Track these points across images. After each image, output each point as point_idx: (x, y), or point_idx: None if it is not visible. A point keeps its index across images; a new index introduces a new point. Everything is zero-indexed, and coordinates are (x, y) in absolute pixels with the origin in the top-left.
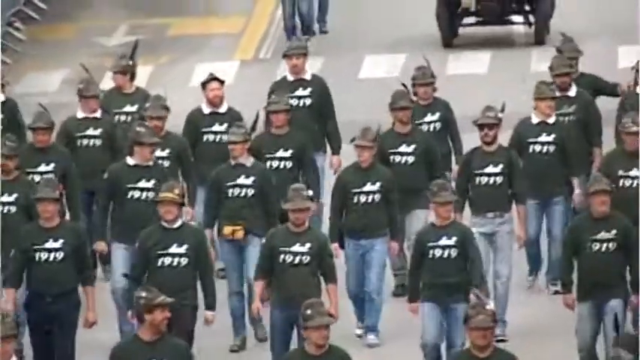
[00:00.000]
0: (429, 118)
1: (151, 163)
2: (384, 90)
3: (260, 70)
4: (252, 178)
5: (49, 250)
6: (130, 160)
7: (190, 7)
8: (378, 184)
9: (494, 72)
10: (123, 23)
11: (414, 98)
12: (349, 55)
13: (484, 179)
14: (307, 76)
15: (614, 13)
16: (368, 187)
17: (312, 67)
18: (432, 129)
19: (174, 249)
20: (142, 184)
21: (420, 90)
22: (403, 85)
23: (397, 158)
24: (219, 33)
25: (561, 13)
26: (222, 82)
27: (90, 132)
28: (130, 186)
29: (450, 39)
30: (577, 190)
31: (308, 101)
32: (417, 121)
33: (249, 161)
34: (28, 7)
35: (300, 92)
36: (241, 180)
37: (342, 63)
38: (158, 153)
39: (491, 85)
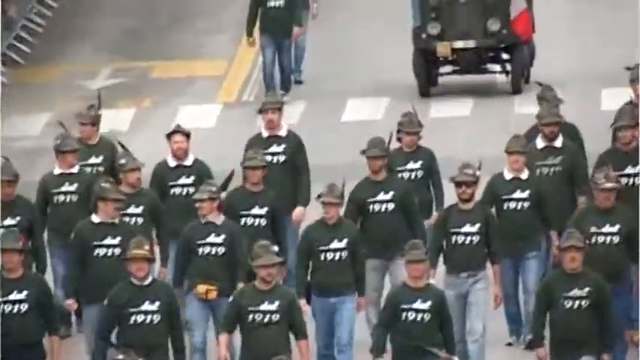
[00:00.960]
0: (411, 165)
1: (116, 220)
2: (368, 133)
3: (242, 113)
4: (222, 237)
5: (13, 302)
6: (95, 218)
7: (173, 50)
8: (344, 240)
9: (476, 117)
10: (106, 66)
11: (398, 144)
12: (332, 98)
13: (461, 238)
14: (282, 132)
15: (597, 56)
16: (335, 245)
17: (296, 111)
18: (413, 177)
19: (146, 306)
20: (108, 241)
21: (406, 138)
22: (397, 130)
23: (376, 207)
24: (203, 76)
25: (545, 55)
26: (187, 135)
27: (66, 188)
28: (96, 243)
29: (426, 88)
30: (556, 243)
31: (282, 158)
32: (398, 168)
33: (219, 219)
34: (12, 51)
35: (274, 149)
36: (211, 238)
37: (326, 106)
38: (131, 210)
39: (475, 129)
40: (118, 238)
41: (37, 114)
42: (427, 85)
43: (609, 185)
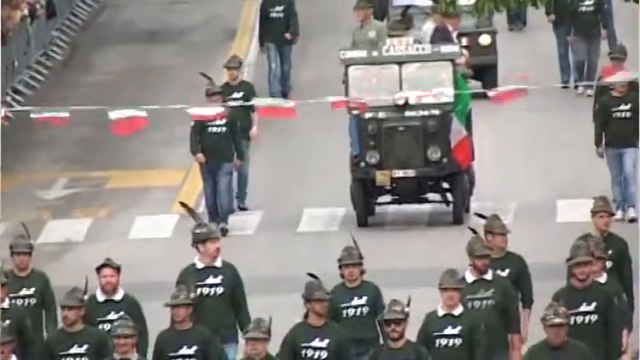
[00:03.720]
0: (355, 301)
1: (81, 327)
2: (324, 243)
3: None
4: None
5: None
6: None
7: (129, 161)
8: None
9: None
10: (62, 176)
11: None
12: (288, 209)
13: None
14: (218, 264)
15: (552, 167)
16: None
17: (251, 222)
18: (358, 313)
19: None
20: (75, 349)
21: (346, 271)
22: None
23: (309, 353)
24: (159, 186)
25: (502, 171)
26: (117, 269)
27: (24, 292)
28: (62, 353)
29: (364, 218)
30: None
31: (220, 290)
32: (342, 305)
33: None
34: None
35: (210, 280)
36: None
37: (281, 217)
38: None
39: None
40: (85, 346)
41: None
42: (365, 215)
43: (558, 321)
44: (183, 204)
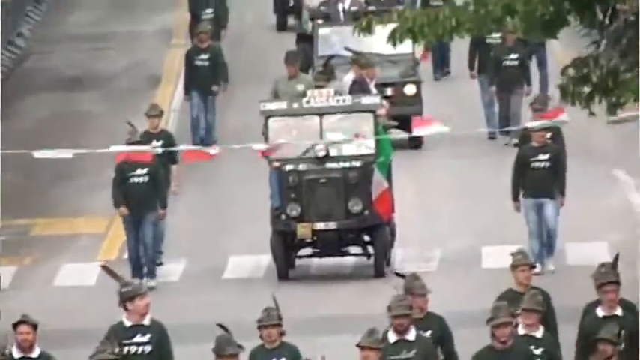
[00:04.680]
0: None
1: None
2: (249, 290)
3: (123, 272)
4: None
5: None
6: None
7: (55, 208)
8: None
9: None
10: None
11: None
12: (213, 257)
13: None
14: (146, 321)
15: (477, 214)
16: None
17: (178, 269)
18: None
19: None
20: None
21: (265, 332)
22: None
23: None
24: (84, 233)
25: (426, 217)
26: (34, 326)
27: None
28: None
29: (285, 271)
30: None
31: (148, 348)
32: None
33: None
34: None
35: (138, 338)
36: None
37: (206, 264)
38: None
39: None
40: None
41: None
42: (286, 268)
43: None
44: (104, 267)
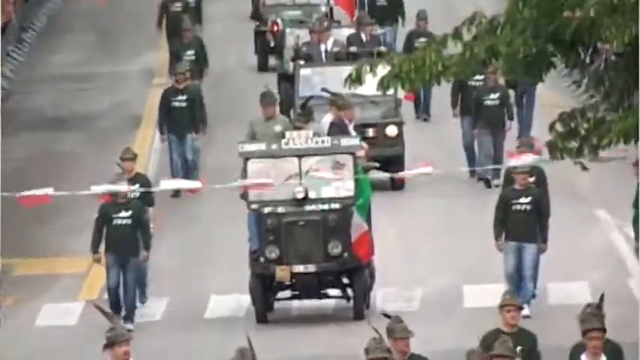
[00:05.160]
0: None
1: None
2: (230, 330)
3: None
4: None
5: None
6: None
7: (36, 248)
8: None
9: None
10: None
11: None
12: (195, 295)
13: None
14: None
15: (458, 253)
16: None
17: (160, 308)
18: None
19: None
20: None
21: None
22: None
23: None
24: (65, 273)
25: (407, 257)
26: None
27: None
28: None
29: (263, 314)
30: None
31: None
32: None
33: None
34: None
35: None
36: None
37: (188, 303)
38: None
39: None
40: None
41: None
42: (264, 311)
43: None
44: (96, 306)
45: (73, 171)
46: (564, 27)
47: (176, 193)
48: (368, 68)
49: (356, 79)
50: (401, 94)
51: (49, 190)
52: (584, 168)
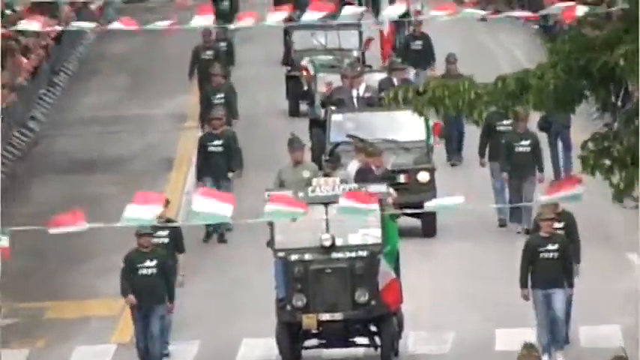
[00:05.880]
0: None
1: None
2: None
3: (134, 355)
4: None
5: None
6: None
7: (67, 291)
8: None
9: None
10: None
11: None
12: (226, 339)
13: None
14: None
15: (488, 298)
16: None
17: (190, 352)
18: None
19: None
20: None
21: None
22: None
23: None
24: (97, 316)
25: (438, 301)
26: None
27: None
28: None
29: None
30: None
31: None
32: None
33: None
34: None
35: None
36: None
37: (220, 347)
38: None
39: None
40: None
41: None
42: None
43: None
44: None
45: (104, 213)
46: (595, 61)
47: (207, 237)
48: (405, 90)
49: (393, 98)
50: (432, 140)
51: (83, 226)
52: (612, 185)
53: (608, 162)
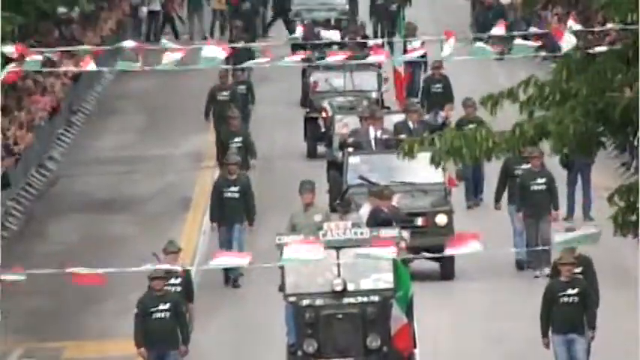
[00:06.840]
0: None
1: None
2: None
3: None
4: None
5: None
6: None
7: (85, 330)
8: None
9: None
10: (18, 346)
11: None
12: None
13: None
14: None
15: (509, 339)
16: None
17: None
18: None
19: None
20: None
21: None
22: None
23: None
24: (114, 356)
25: (458, 338)
26: None
27: None
28: None
29: None
30: None
31: None
32: None
33: None
34: None
35: None
36: None
37: None
38: None
39: None
40: None
41: None
42: None
43: None
44: None
45: (122, 254)
46: (613, 106)
47: (227, 282)
48: (420, 143)
49: (408, 152)
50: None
51: (100, 271)
52: None
53: (634, 218)
